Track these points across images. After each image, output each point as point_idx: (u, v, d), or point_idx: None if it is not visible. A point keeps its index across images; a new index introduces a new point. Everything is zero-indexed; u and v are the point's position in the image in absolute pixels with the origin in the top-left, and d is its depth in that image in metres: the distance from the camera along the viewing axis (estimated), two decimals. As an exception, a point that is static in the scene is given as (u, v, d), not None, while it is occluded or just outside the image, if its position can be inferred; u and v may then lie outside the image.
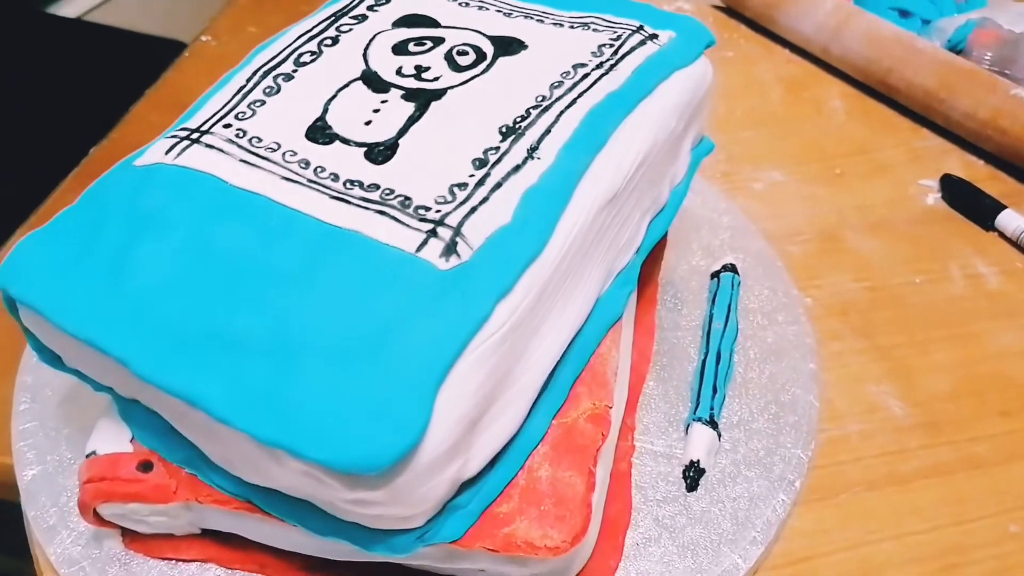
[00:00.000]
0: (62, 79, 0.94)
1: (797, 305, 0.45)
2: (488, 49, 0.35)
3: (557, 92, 0.33)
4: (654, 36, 0.36)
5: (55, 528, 0.34)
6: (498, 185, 0.30)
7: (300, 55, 0.35)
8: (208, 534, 0.34)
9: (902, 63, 0.59)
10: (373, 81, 0.34)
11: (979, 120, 0.56)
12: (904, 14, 0.66)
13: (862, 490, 0.38)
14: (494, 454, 0.29)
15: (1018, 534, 0.37)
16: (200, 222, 0.29)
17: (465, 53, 0.35)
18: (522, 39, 0.35)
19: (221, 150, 0.31)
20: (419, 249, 0.28)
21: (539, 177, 0.30)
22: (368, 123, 0.32)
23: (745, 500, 0.36)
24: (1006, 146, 0.55)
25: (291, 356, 0.26)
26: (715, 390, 0.39)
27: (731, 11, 0.70)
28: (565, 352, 0.32)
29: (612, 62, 0.34)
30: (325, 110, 0.32)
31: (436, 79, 0.34)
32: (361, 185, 0.30)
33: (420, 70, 0.34)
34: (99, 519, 0.32)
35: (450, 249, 0.28)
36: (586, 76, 0.34)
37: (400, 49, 0.35)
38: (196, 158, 0.31)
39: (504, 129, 0.32)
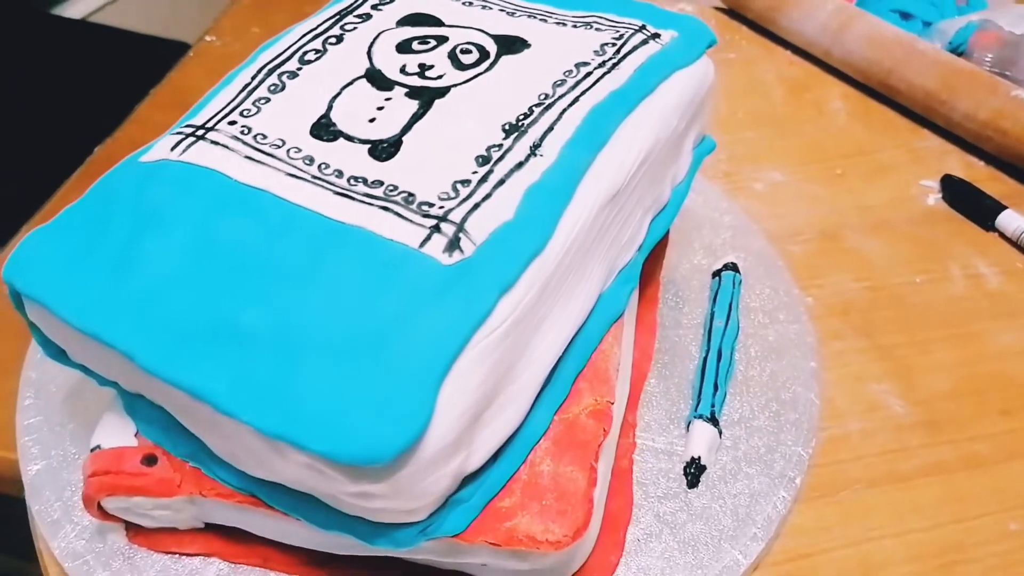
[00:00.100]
0: (67, 80, 0.95)
1: (798, 304, 0.45)
2: (491, 48, 0.35)
3: (560, 90, 0.33)
4: (656, 35, 0.36)
5: (59, 522, 0.35)
6: (501, 182, 0.30)
7: (305, 53, 0.35)
8: (211, 528, 0.34)
9: (903, 64, 0.59)
10: (377, 79, 0.34)
11: (980, 121, 0.56)
12: (905, 16, 0.67)
13: (863, 488, 0.39)
14: (496, 449, 0.29)
15: (1018, 532, 0.37)
16: (205, 218, 0.29)
17: (468, 52, 0.35)
18: (525, 38, 0.36)
19: (226, 147, 0.31)
20: (423, 245, 0.28)
21: (542, 174, 0.30)
22: (372, 120, 0.32)
23: (746, 497, 0.36)
24: (1006, 147, 0.55)
25: (295, 350, 0.26)
26: (716, 388, 0.39)
27: (733, 13, 0.71)
28: (567, 348, 0.32)
29: (614, 61, 0.35)
30: (329, 107, 0.33)
31: (440, 77, 0.34)
32: (365, 181, 0.30)
33: (424, 68, 0.34)
34: (103, 513, 0.33)
35: (453, 245, 0.28)
36: (589, 74, 0.34)
37: (404, 47, 0.35)
38: (201, 154, 0.31)
39: (507, 126, 0.32)
